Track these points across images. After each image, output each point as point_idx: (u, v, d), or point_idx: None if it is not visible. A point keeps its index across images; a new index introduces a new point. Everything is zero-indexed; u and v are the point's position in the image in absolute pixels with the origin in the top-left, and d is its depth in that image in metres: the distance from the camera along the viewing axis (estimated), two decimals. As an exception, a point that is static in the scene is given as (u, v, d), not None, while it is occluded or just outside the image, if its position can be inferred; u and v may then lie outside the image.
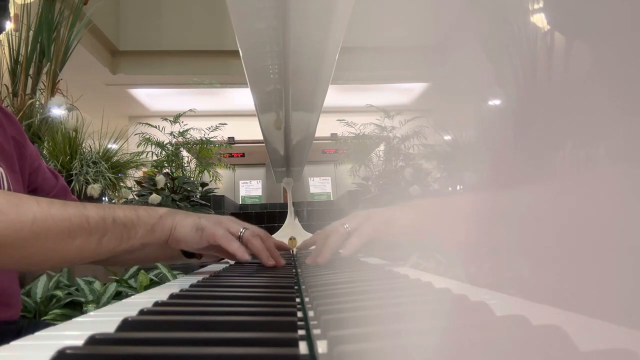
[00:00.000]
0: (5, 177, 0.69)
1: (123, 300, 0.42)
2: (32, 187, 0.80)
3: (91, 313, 0.35)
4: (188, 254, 0.75)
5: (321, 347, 0.23)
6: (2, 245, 0.45)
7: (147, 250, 0.61)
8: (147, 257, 0.85)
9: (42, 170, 0.82)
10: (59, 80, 2.96)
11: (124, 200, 3.10)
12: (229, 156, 5.85)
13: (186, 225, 0.60)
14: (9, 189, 0.69)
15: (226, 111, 7.59)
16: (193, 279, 0.55)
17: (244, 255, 0.62)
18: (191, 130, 4.45)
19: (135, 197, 3.36)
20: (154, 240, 0.58)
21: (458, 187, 3.51)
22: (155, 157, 4.09)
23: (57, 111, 2.76)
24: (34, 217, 0.46)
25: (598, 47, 0.47)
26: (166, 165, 4.01)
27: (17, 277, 0.75)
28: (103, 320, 0.33)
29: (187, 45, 6.29)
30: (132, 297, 0.44)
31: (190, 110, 4.54)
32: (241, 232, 0.64)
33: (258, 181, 7.70)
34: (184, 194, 3.49)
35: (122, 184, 2.92)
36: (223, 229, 0.62)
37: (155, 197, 3.23)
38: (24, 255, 0.47)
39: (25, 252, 0.47)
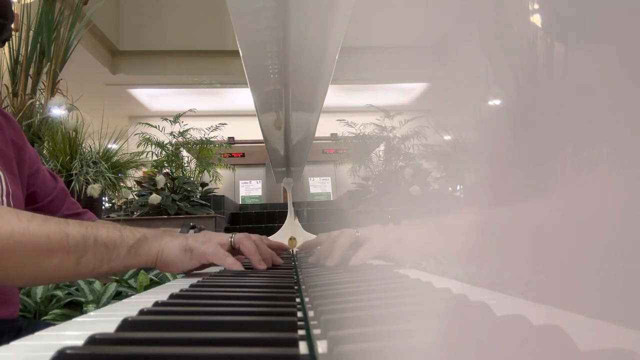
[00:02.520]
0: (3, 179, 0.69)
1: (123, 300, 0.42)
2: (31, 189, 0.80)
3: (91, 313, 0.35)
4: None
5: (321, 347, 0.23)
6: None
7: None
8: None
9: (41, 173, 0.82)
10: (59, 80, 2.96)
11: (124, 200, 3.10)
12: (229, 156, 5.86)
13: (174, 247, 0.57)
14: (7, 192, 0.69)
15: (226, 111, 7.59)
16: (193, 279, 0.55)
17: (240, 268, 0.59)
18: (191, 130, 4.45)
19: (135, 197, 3.36)
20: (139, 263, 0.56)
21: (458, 187, 3.51)
22: (155, 157, 4.09)
23: (57, 111, 2.76)
24: (12, 231, 0.45)
25: (599, 48, 0.47)
26: (166, 165, 4.02)
27: None
28: (103, 320, 0.33)
29: (187, 45, 6.29)
30: (132, 297, 0.44)
31: (190, 110, 4.55)
32: (231, 238, 0.62)
33: (258, 181, 7.71)
34: (184, 194, 3.49)
35: (122, 184, 2.92)
36: (213, 245, 0.59)
37: (155, 197, 3.23)
38: None
39: None
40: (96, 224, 0.53)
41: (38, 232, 0.47)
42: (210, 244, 0.59)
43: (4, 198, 0.68)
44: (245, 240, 0.62)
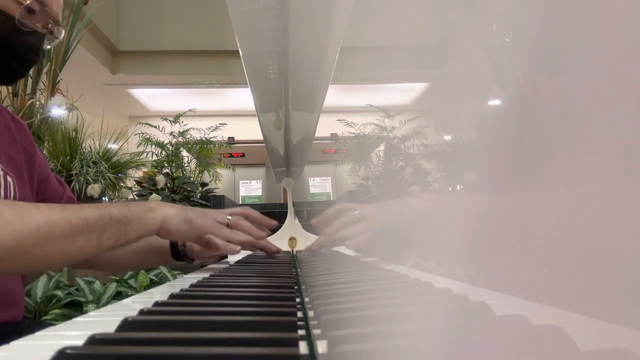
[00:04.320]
0: (13, 185, 0.70)
1: (123, 300, 0.42)
2: (41, 197, 0.81)
3: (91, 313, 0.35)
4: (178, 256, 0.79)
5: (321, 347, 0.23)
6: (11, 254, 0.46)
7: (142, 254, 0.66)
8: (143, 262, 0.88)
9: (51, 181, 0.83)
10: (59, 80, 2.95)
11: (124, 200, 3.10)
12: (229, 156, 5.85)
13: (175, 217, 0.63)
14: (16, 198, 0.69)
15: (226, 111, 7.58)
16: (193, 279, 0.55)
17: (234, 247, 0.67)
18: (191, 130, 4.44)
19: (135, 197, 3.35)
20: (148, 232, 0.61)
21: (458, 187, 3.51)
22: (155, 157, 4.08)
23: (57, 111, 2.76)
24: (38, 224, 0.48)
25: (600, 47, 0.47)
26: (166, 165, 4.01)
27: (21, 278, 0.75)
28: (103, 320, 0.33)
29: (187, 45, 6.29)
30: (132, 297, 0.44)
31: (190, 110, 4.54)
32: (228, 220, 0.68)
33: (258, 181, 7.70)
34: (184, 194, 3.49)
35: (122, 184, 2.92)
36: (210, 220, 0.66)
37: (155, 197, 3.23)
38: (31, 260, 0.49)
39: (31, 257, 0.49)
40: (105, 205, 0.58)
41: (60, 219, 0.50)
42: (208, 219, 0.66)
43: None
44: (242, 223, 0.68)
